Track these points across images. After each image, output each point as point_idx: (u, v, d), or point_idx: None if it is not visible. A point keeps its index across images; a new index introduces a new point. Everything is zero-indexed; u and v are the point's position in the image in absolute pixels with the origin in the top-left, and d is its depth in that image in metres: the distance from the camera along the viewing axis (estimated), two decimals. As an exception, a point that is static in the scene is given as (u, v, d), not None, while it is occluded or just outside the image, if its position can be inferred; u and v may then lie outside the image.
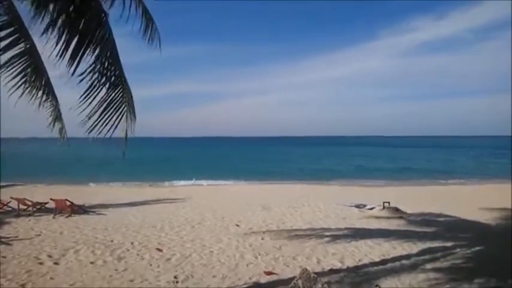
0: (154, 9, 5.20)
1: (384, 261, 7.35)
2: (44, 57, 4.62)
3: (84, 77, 4.39)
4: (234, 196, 18.24)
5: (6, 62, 4.43)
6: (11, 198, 13.34)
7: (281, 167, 39.74)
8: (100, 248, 8.31)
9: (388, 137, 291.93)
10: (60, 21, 4.21)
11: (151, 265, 7.20)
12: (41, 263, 7.23)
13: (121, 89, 4.56)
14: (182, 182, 26.22)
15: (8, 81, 4.52)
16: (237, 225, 10.88)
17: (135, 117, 4.52)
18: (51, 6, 4.15)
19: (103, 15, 4.41)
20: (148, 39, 5.18)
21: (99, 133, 4.36)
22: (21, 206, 12.77)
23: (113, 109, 4.48)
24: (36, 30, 4.23)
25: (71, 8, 4.23)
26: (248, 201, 15.57)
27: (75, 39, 4.31)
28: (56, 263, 7.25)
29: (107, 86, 4.50)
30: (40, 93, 4.86)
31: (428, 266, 7.04)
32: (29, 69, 4.64)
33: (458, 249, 8.11)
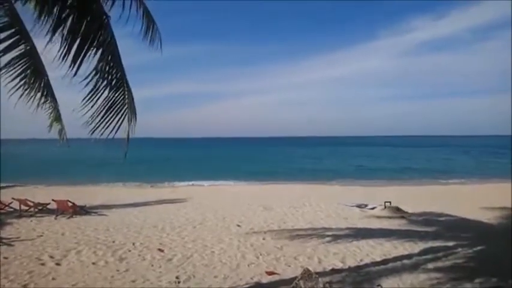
0: (154, 9, 5.21)
1: (385, 261, 7.36)
2: (45, 59, 4.63)
3: (86, 79, 4.40)
4: (234, 196, 18.23)
5: (6, 64, 4.45)
6: (13, 199, 13.35)
7: (281, 167, 39.72)
8: (102, 249, 8.32)
9: (389, 136, 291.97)
10: (62, 23, 4.22)
11: (152, 265, 7.21)
12: (42, 264, 7.24)
13: (122, 91, 4.58)
14: (183, 183, 26.21)
15: (8, 83, 4.53)
16: (238, 226, 10.89)
17: (136, 118, 4.53)
18: (53, 9, 4.16)
19: (105, 17, 4.42)
20: (150, 40, 5.19)
21: (102, 134, 4.38)
22: (23, 207, 12.78)
23: (114, 111, 4.49)
24: (37, 32, 4.24)
25: (73, 11, 4.23)
26: (249, 202, 15.58)
27: (77, 42, 4.31)
28: (57, 264, 7.26)
29: (109, 88, 4.51)
30: (39, 94, 4.87)
31: (430, 265, 7.04)
32: (28, 71, 4.65)
33: (459, 249, 8.11)
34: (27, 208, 12.82)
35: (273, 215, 12.52)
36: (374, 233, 9.76)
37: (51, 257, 7.71)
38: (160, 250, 8.25)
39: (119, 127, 4.46)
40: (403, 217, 12.02)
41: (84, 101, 4.37)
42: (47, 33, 4.20)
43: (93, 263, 7.34)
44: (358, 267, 7.03)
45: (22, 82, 4.65)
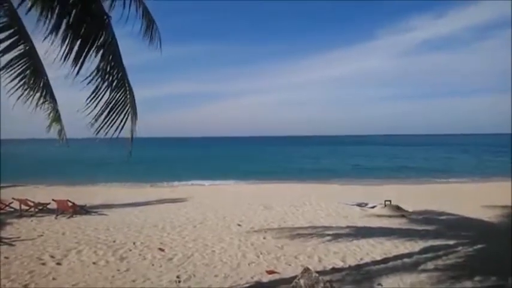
0: (154, 9, 5.21)
1: (385, 260, 7.36)
2: (45, 60, 4.64)
3: (90, 80, 4.40)
4: (235, 196, 18.24)
5: (6, 64, 4.45)
6: (13, 199, 13.36)
7: (281, 167, 39.72)
8: (102, 249, 8.32)
9: (388, 135, 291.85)
10: (63, 24, 4.22)
11: (153, 265, 7.21)
12: (43, 264, 7.25)
13: (124, 91, 4.58)
14: (183, 182, 26.22)
15: (8, 83, 4.53)
16: (239, 225, 10.89)
17: (137, 118, 4.54)
18: (54, 9, 4.16)
19: (105, 17, 4.41)
20: (149, 40, 5.19)
21: (106, 134, 4.39)
22: (23, 207, 12.79)
23: (117, 111, 4.50)
24: (38, 32, 4.24)
25: (74, 11, 4.23)
26: (249, 201, 15.58)
27: (78, 42, 4.32)
28: (58, 264, 7.27)
29: (111, 88, 4.51)
30: (38, 94, 4.88)
31: (430, 264, 7.04)
32: (28, 71, 4.66)
33: (460, 248, 8.11)
34: (27, 208, 12.83)
35: (274, 214, 12.53)
36: (374, 231, 9.76)
37: (52, 256, 7.72)
38: (161, 249, 8.26)
39: (122, 127, 4.47)
40: (403, 216, 12.02)
41: (87, 101, 4.38)
42: (48, 34, 4.20)
43: (94, 263, 7.34)
44: (359, 266, 7.04)
45: (21, 82, 4.65)
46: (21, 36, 4.46)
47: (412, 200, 14.90)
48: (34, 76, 4.75)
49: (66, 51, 4.30)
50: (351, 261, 7.31)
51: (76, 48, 4.33)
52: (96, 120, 4.38)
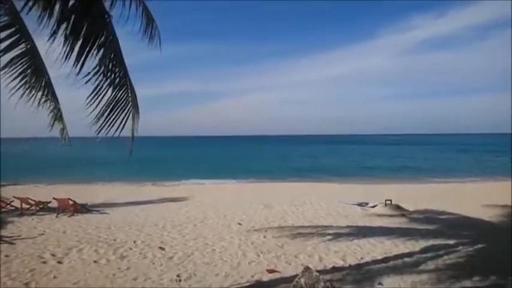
0: (155, 9, 5.20)
1: (386, 259, 7.36)
2: (48, 59, 4.64)
3: (90, 78, 4.40)
4: (235, 195, 18.26)
5: (7, 63, 4.45)
6: (14, 197, 13.38)
7: (282, 166, 39.73)
8: (103, 247, 8.34)
9: (388, 135, 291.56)
10: (64, 23, 4.22)
11: (154, 264, 7.23)
12: (44, 262, 7.26)
13: (126, 90, 4.58)
14: (184, 181, 26.25)
15: (9, 82, 4.53)
16: (239, 224, 10.90)
17: (139, 116, 4.54)
18: (55, 8, 4.16)
19: (106, 16, 4.41)
20: (149, 39, 5.18)
21: (107, 133, 4.38)
22: (24, 205, 12.81)
23: (119, 109, 4.50)
24: (39, 31, 4.24)
25: (75, 10, 4.23)
26: (250, 200, 15.59)
27: (80, 41, 4.32)
28: (59, 262, 7.28)
29: (112, 87, 4.51)
30: (40, 93, 4.88)
31: (431, 263, 7.04)
32: (29, 70, 4.66)
33: (460, 247, 8.11)
34: (28, 206, 12.85)
35: (274, 213, 12.54)
36: (375, 231, 9.77)
37: (53, 255, 7.73)
38: (162, 248, 8.27)
39: (124, 125, 4.47)
40: (403, 215, 12.03)
41: (88, 100, 4.37)
42: (49, 33, 4.20)
43: (95, 261, 7.35)
44: (359, 266, 7.04)
45: (23, 81, 4.65)
46: (22, 35, 4.47)
47: (413, 200, 14.90)
48: (35, 75, 4.75)
49: (67, 50, 4.29)
50: (352, 261, 7.32)
51: (77, 47, 4.32)
52: (97, 119, 4.38)
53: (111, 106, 4.48)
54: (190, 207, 14.04)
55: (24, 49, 4.54)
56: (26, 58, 4.61)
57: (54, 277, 6.48)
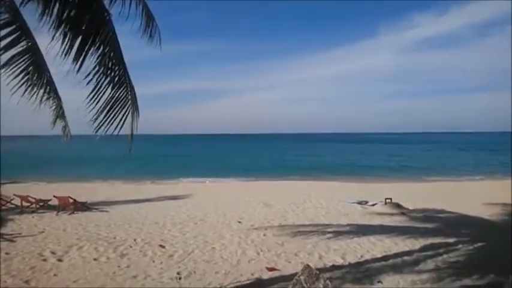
0: (155, 8, 5.19)
1: (385, 258, 7.37)
2: (47, 56, 4.63)
3: (89, 76, 4.40)
4: (235, 193, 18.27)
5: (8, 60, 4.44)
6: (14, 195, 13.38)
7: (282, 164, 39.77)
8: (103, 245, 8.35)
9: (389, 133, 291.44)
10: (64, 21, 4.21)
11: (154, 261, 7.24)
12: (44, 260, 7.27)
13: (125, 88, 4.57)
14: (184, 179, 26.28)
15: (11, 80, 4.53)
16: (239, 222, 10.91)
17: (139, 115, 4.53)
18: (55, 6, 4.15)
19: (106, 14, 4.41)
20: (149, 37, 5.17)
21: (106, 131, 4.37)
22: (25, 203, 12.82)
23: (118, 107, 4.48)
24: (39, 29, 4.24)
25: (74, 8, 4.23)
26: (249, 198, 15.60)
27: (79, 39, 4.31)
28: (59, 260, 7.30)
29: (112, 85, 4.50)
30: (42, 91, 4.88)
31: (431, 262, 7.05)
32: (30, 68, 4.66)
33: (460, 245, 8.12)
34: (28, 204, 12.86)
35: (274, 212, 12.55)
36: (375, 229, 9.78)
37: (53, 253, 7.75)
38: (162, 246, 8.28)
39: (123, 123, 4.45)
40: (403, 214, 12.04)
41: (88, 98, 4.36)
42: (49, 31, 4.20)
43: (95, 259, 7.37)
44: (359, 264, 7.05)
45: (25, 79, 4.65)
46: (23, 32, 4.47)
47: (413, 198, 14.92)
48: (37, 72, 4.75)
49: (66, 47, 4.29)
50: (351, 259, 7.33)
51: (77, 44, 4.32)
52: (97, 117, 4.37)
53: (110, 104, 4.46)
54: (190, 206, 14.05)
55: (25, 46, 4.54)
56: (28, 56, 4.61)
57: (55, 275, 6.49)
